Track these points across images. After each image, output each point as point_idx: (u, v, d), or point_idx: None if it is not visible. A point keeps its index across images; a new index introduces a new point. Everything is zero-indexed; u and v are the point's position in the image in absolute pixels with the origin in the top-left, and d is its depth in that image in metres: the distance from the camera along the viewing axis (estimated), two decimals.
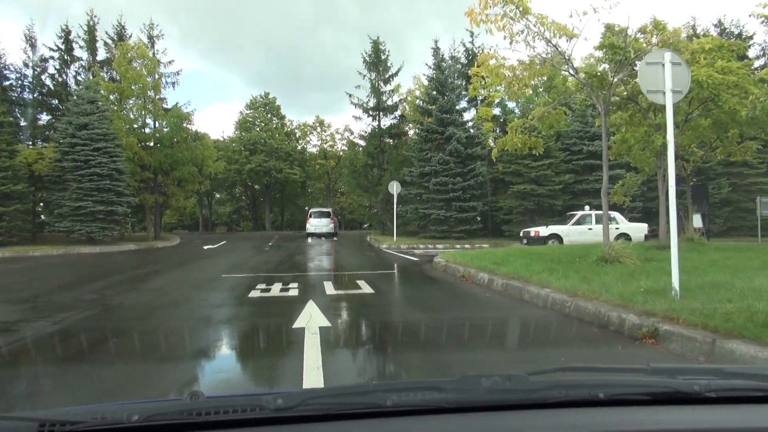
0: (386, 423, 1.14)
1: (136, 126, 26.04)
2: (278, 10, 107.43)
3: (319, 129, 47.55)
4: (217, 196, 55.56)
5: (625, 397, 1.22)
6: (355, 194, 30.75)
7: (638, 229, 18.74)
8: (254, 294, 7.82)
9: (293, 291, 8.12)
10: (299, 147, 46.87)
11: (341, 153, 47.17)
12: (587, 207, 19.68)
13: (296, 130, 46.75)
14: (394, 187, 23.46)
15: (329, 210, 29.83)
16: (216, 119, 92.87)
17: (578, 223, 18.61)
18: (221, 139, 46.39)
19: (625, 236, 17.93)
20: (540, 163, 23.53)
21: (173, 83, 28.64)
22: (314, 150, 48.64)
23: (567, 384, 1.24)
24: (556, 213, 24.45)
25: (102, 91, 25.14)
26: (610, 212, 18.99)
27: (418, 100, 26.82)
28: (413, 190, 24.94)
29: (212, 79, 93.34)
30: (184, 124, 26.28)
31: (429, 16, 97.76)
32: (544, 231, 18.40)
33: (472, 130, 25.00)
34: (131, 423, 1.05)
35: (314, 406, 1.13)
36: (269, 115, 44.05)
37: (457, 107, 25.24)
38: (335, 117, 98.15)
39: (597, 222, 18.01)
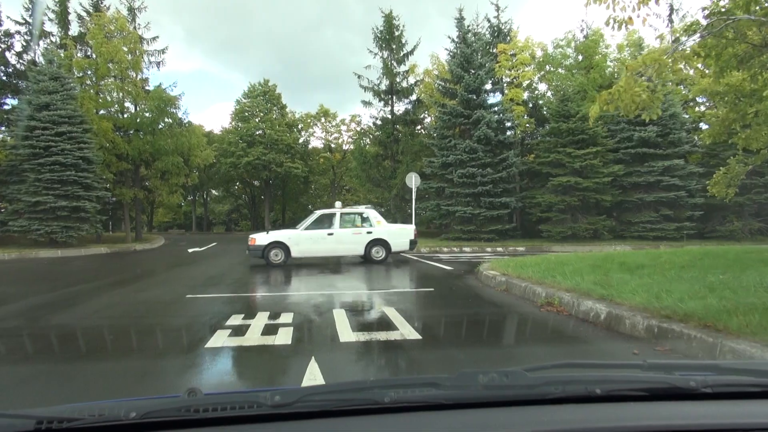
0: (384, 419, 1.14)
1: (112, 110, 22.94)
2: (283, 10, 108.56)
3: (323, 119, 44.24)
4: (215, 193, 52.55)
5: (621, 393, 1.22)
6: (364, 189, 27.53)
7: (401, 234, 13.52)
8: (218, 340, 4.65)
9: (284, 332, 4.94)
10: (302, 139, 43.59)
11: (348, 144, 43.96)
12: (338, 203, 14.17)
13: (299, 122, 43.48)
14: (413, 180, 20.21)
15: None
16: (221, 118, 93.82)
17: (315, 226, 13.00)
18: (218, 132, 43.33)
19: (381, 243, 13.09)
20: (585, 152, 20.26)
21: (158, 63, 25.58)
22: (319, 144, 45.45)
23: (564, 380, 1.25)
24: (603, 210, 21.18)
25: (75, 71, 22.13)
26: (361, 209, 13.68)
27: (438, 82, 23.50)
28: (434, 183, 21.71)
29: (218, 78, 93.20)
30: (169, 109, 23.12)
31: (435, 16, 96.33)
32: (263, 238, 12.64)
33: (500, 115, 21.70)
34: (129, 420, 1.05)
35: (312, 403, 1.13)
36: (269, 105, 40.76)
37: (485, 87, 21.95)
38: (341, 117, 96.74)
39: (343, 225, 13.16)
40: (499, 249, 19.53)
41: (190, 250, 19.88)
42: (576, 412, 1.17)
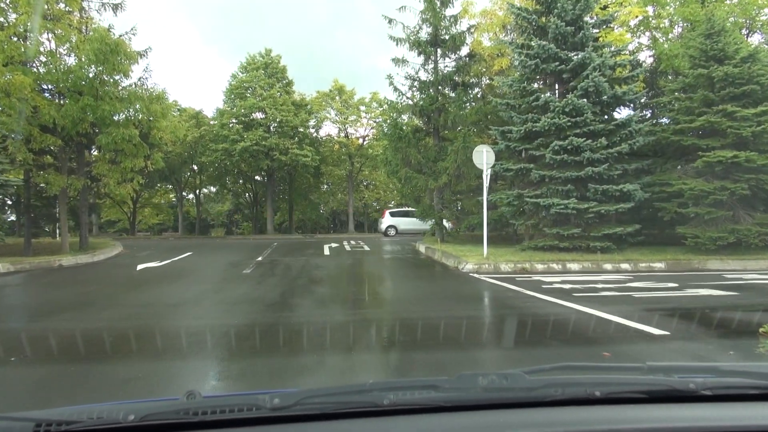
0: (383, 422, 1.13)
1: (39, 63, 16.53)
2: (297, 12, 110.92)
3: (338, 98, 37.47)
4: (212, 190, 46.27)
5: (621, 396, 1.22)
6: (396, 179, 20.78)
7: None
8: None
9: None
10: (312, 122, 36.89)
11: (369, 128, 37.39)
12: None
13: (309, 103, 36.85)
14: (484, 156, 13.50)
15: None
16: (216, 101, 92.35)
17: None
18: (211, 116, 36.85)
19: None
20: (759, 110, 13.26)
21: (115, 6, 19.03)
22: (333, 131, 38.75)
23: (564, 382, 1.25)
24: None
25: None
26: None
27: (513, 11, 16.38)
28: (509, 164, 14.90)
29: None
30: (122, 61, 16.57)
31: None
32: None
33: (614, 58, 14.80)
34: (128, 423, 1.05)
35: (311, 406, 1.12)
36: (271, 80, 34.16)
37: (587, 20, 15.02)
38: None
39: None
40: (624, 266, 12.73)
41: (139, 267, 13.40)
42: (575, 414, 1.17)
